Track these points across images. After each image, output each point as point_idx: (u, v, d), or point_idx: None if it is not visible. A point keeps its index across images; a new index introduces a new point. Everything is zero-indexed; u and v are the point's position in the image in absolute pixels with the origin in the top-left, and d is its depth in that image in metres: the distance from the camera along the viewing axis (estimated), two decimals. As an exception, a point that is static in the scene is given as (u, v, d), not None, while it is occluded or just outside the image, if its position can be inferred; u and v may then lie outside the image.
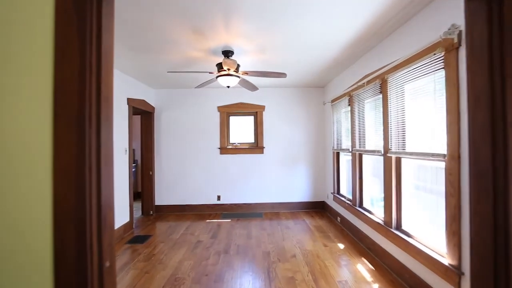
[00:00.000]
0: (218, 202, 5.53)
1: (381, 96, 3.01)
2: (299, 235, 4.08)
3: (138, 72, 4.23)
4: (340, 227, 4.36)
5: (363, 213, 3.49)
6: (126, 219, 4.35)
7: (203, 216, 5.25)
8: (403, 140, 2.62)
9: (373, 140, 3.34)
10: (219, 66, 3.23)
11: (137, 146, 6.85)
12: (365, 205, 3.66)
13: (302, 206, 5.53)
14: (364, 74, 3.45)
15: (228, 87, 3.34)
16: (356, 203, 3.76)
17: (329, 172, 5.22)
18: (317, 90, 5.57)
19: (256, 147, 5.52)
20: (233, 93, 5.53)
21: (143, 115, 5.46)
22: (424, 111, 2.38)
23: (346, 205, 4.09)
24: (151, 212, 5.44)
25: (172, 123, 5.57)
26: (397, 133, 2.69)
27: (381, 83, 2.98)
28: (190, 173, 5.54)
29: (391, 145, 2.79)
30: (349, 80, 4.02)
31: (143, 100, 4.98)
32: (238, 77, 3.29)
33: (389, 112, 2.82)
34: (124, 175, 4.28)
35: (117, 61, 3.67)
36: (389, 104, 2.81)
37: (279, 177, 5.53)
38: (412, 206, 2.67)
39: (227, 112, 5.58)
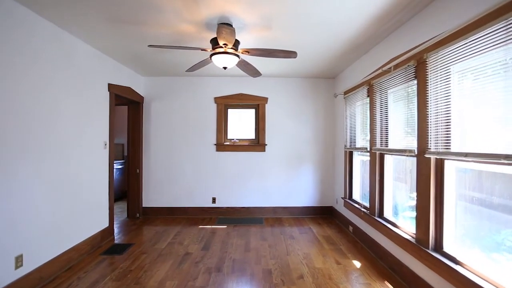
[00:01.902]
0: (213, 205, 4.93)
1: (415, 82, 2.40)
2: (306, 247, 3.48)
3: (122, 53, 3.62)
4: (353, 239, 3.76)
5: (384, 225, 2.89)
6: (105, 224, 3.75)
7: (196, 221, 4.65)
8: (447, 137, 2.02)
9: (401, 137, 2.73)
10: (214, 42, 2.62)
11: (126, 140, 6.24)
12: (386, 214, 3.06)
13: (307, 212, 4.93)
14: (390, 57, 2.84)
15: (225, 68, 2.73)
16: (375, 212, 3.16)
17: (339, 174, 4.62)
18: (326, 82, 4.95)
19: (257, 144, 4.92)
20: (233, 83, 4.92)
21: (130, 106, 4.85)
22: (486, 98, 1.77)
23: (361, 213, 3.49)
24: (138, 215, 4.85)
25: (162, 115, 4.96)
26: (440, 128, 2.09)
27: (415, 66, 2.37)
28: (182, 172, 4.93)
29: (429, 144, 2.18)
30: (368, 67, 3.41)
31: (129, 87, 4.36)
32: (237, 56, 2.68)
33: (428, 102, 2.21)
34: (101, 172, 3.68)
35: (93, 37, 3.05)
36: (428, 92, 2.20)
37: (282, 178, 4.93)
38: (461, 223, 2.06)
39: (225, 104, 4.97)
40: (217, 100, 4.91)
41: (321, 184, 4.95)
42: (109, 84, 3.79)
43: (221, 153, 4.93)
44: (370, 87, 3.27)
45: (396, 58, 2.66)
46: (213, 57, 2.64)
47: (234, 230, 4.18)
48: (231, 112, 5.05)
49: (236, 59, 2.69)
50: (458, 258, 1.94)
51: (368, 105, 3.36)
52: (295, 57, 2.62)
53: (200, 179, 4.93)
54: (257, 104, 4.96)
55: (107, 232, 3.78)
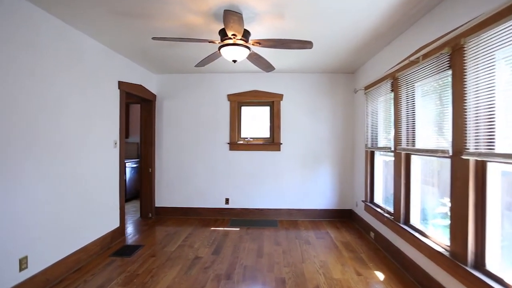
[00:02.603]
0: (226, 206, 4.78)
1: (449, 72, 2.10)
2: (323, 254, 3.23)
3: (130, 49, 3.52)
4: (375, 246, 3.46)
5: (411, 233, 2.59)
6: (115, 224, 3.68)
7: (208, 222, 4.51)
8: (490, 135, 1.72)
9: (430, 136, 2.43)
10: (223, 34, 2.43)
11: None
12: (413, 221, 2.76)
13: (324, 215, 4.66)
14: (418, 46, 2.53)
15: (235, 61, 2.54)
16: (400, 218, 2.86)
17: (359, 176, 4.32)
18: (345, 77, 4.65)
19: (272, 143, 4.70)
20: (246, 79, 4.73)
21: (142, 104, 4.78)
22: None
23: (384, 219, 3.19)
24: (150, 215, 4.78)
25: (175, 113, 4.85)
26: (481, 125, 1.79)
27: (450, 54, 2.07)
28: (195, 171, 4.81)
29: (468, 143, 1.88)
30: (392, 58, 3.10)
31: (141, 85, 4.28)
32: (248, 48, 2.48)
33: (465, 95, 1.91)
34: (112, 172, 3.61)
35: (100, 32, 2.96)
36: (466, 83, 1.90)
37: (298, 179, 4.68)
38: (510, 237, 1.76)
39: (238, 101, 4.79)
40: (230, 97, 4.74)
41: (340, 186, 4.66)
42: (119, 82, 3.70)
43: (234, 152, 4.76)
44: (395, 80, 2.96)
45: (426, 46, 2.36)
46: (222, 50, 2.45)
47: (247, 233, 3.99)
48: (245, 110, 4.86)
49: (247, 51, 2.49)
50: (505, 280, 1.64)
51: (392, 101, 3.06)
52: (310, 48, 2.38)
53: (213, 179, 4.79)
54: (272, 101, 4.74)
55: (118, 232, 3.71)
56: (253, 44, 2.47)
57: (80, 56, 2.96)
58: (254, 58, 2.81)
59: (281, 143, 4.68)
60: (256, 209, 4.73)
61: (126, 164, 5.96)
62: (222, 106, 4.77)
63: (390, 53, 3.18)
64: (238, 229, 4.17)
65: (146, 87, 4.49)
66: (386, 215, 3.17)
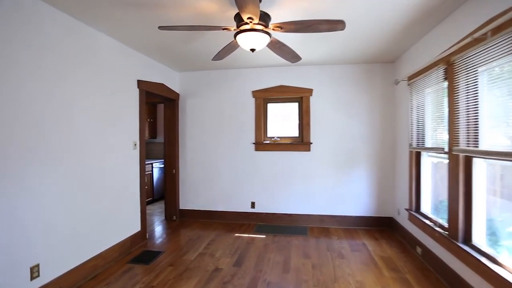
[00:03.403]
0: (252, 210, 4.48)
1: (534, 48, 1.57)
2: (359, 272, 2.79)
3: (148, 46, 3.34)
4: (423, 265, 2.93)
5: (474, 257, 2.07)
6: (136, 228, 3.56)
7: (233, 227, 4.25)
8: None
9: (503, 134, 1.90)
10: (238, 19, 2.11)
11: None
12: (476, 241, 2.22)
13: (360, 222, 4.16)
14: (484, 20, 1.99)
15: (253, 51, 2.20)
16: (458, 236, 2.33)
17: (401, 179, 3.76)
18: (384, 67, 4.09)
19: (301, 142, 4.30)
20: (272, 74, 4.37)
21: (166, 103, 4.64)
22: None
23: (436, 234, 2.66)
24: (174, 218, 4.64)
25: (198, 112, 4.65)
26: None
27: (535, 24, 1.54)
28: (219, 173, 4.57)
29: None
30: (445, 40, 2.55)
31: (162, 84, 4.12)
32: (268, 34, 2.13)
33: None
34: (131, 174, 3.48)
35: (112, 26, 2.80)
36: None
37: (330, 182, 4.24)
38: None
39: (264, 98, 4.45)
40: (255, 94, 4.43)
41: (378, 191, 4.12)
42: (138, 81, 3.56)
43: (260, 152, 4.44)
44: (449, 66, 2.43)
45: (497, 17, 1.83)
46: (238, 37, 2.14)
47: (273, 241, 3.66)
48: (271, 107, 4.52)
49: (266, 38, 2.15)
50: None
51: (446, 91, 2.52)
52: (342, 29, 1.97)
53: (238, 181, 4.51)
54: (300, 97, 4.33)
55: (139, 236, 3.59)
56: (273, 29, 2.12)
57: (94, 53, 2.83)
58: (277, 46, 2.45)
59: (311, 143, 4.26)
60: (284, 214, 4.37)
61: (154, 164, 5.93)
62: (247, 103, 4.47)
63: (443, 33, 2.62)
64: (263, 236, 3.85)
65: (168, 86, 4.33)
66: (438, 229, 2.63)
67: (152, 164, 5.87)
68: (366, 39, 3.13)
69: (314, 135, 4.27)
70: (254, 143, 4.43)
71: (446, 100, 2.52)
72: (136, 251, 3.38)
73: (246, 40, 2.11)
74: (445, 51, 2.43)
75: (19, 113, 2.10)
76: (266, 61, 4.04)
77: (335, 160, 4.21)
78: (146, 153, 6.70)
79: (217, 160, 4.57)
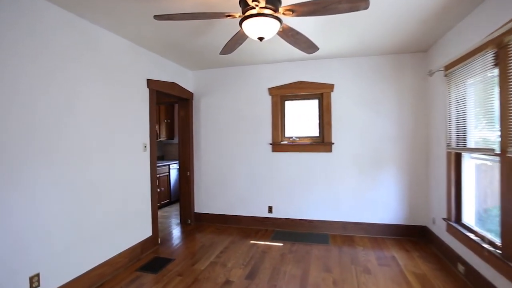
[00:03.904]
0: (270, 215, 4.21)
1: None
2: (388, 291, 2.43)
3: (156, 42, 3.18)
4: (465, 285, 2.50)
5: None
6: (147, 233, 3.42)
7: (249, 233, 4.00)
8: None
9: None
10: (244, 3, 1.85)
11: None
12: (537, 263, 1.80)
13: (389, 231, 3.74)
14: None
15: (261, 39, 1.94)
16: (513, 255, 1.91)
17: (436, 184, 3.32)
18: (414, 57, 3.65)
19: (322, 142, 3.96)
20: (289, 69, 4.07)
21: (179, 103, 4.50)
22: None
23: (485, 252, 2.23)
24: (189, 221, 4.48)
25: (212, 112, 4.46)
26: None
27: None
28: (234, 175, 4.35)
29: None
30: (494, 19, 2.13)
31: (174, 83, 3.97)
32: (278, 19, 1.86)
33: None
34: (142, 177, 3.34)
35: (115, 23, 2.65)
36: None
37: (354, 186, 3.86)
38: None
39: (281, 95, 4.16)
40: (271, 91, 4.15)
41: (409, 196, 3.69)
42: (148, 80, 3.42)
43: (277, 154, 4.16)
44: (502, 49, 2.01)
45: None
46: (244, 24, 1.88)
47: (291, 250, 3.36)
48: (289, 105, 4.21)
49: (276, 24, 1.87)
50: None
51: (497, 80, 2.10)
52: (365, 7, 1.65)
53: (254, 185, 4.26)
54: (321, 93, 3.99)
55: (150, 242, 3.44)
56: (284, 14, 1.84)
57: (98, 51, 2.70)
58: (290, 35, 2.16)
59: (333, 143, 3.91)
60: (303, 220, 4.05)
61: (171, 165, 5.84)
62: (263, 101, 4.21)
63: (491, 10, 2.20)
64: (281, 244, 3.57)
65: (181, 85, 4.17)
66: (487, 246, 2.21)
67: (169, 165, 5.78)
68: (393, 25, 2.75)
69: (336, 135, 3.91)
70: (271, 144, 4.16)
71: (496, 91, 2.10)
72: (147, 257, 3.23)
73: (252, 27, 1.85)
74: (496, 30, 2.01)
75: (18, 112, 1.99)
76: (283, 55, 3.75)
77: (360, 162, 3.82)
78: (164, 154, 6.65)
79: (232, 162, 4.35)
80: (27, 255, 2.07)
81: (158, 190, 5.41)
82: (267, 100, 4.19)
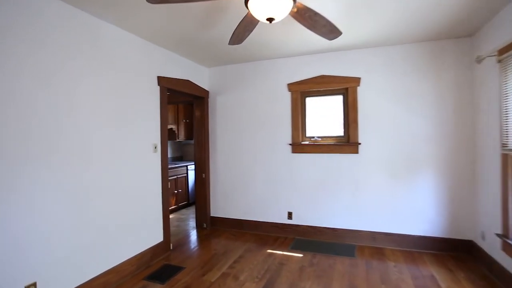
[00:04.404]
0: (289, 222, 3.88)
1: None
2: (428, 322, 2.01)
3: (167, 37, 2.99)
4: (529, 318, 2.02)
5: None
6: (158, 239, 3.24)
7: (266, 241, 3.71)
8: None
9: None
10: (249, -21, 1.57)
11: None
12: None
13: (426, 244, 3.26)
14: None
15: (271, 21, 1.64)
16: None
17: (486, 192, 2.80)
18: (457, 43, 3.14)
19: (347, 143, 3.57)
20: (310, 63, 3.72)
21: (195, 102, 4.31)
22: None
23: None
24: (205, 225, 4.28)
25: (228, 110, 4.22)
26: None
27: None
28: (252, 178, 4.08)
29: None
30: None
31: (188, 81, 3.78)
32: (289, -5, 1.55)
33: None
34: (152, 179, 3.17)
35: (118, 16, 2.48)
36: None
37: (384, 191, 3.42)
38: None
39: (301, 91, 3.82)
40: (291, 87, 3.82)
41: (450, 205, 3.18)
42: (158, 77, 3.25)
43: (298, 155, 3.82)
44: None
45: None
46: (250, 3, 1.59)
47: (312, 263, 3.02)
48: (310, 102, 3.86)
49: (288, 2, 1.56)
50: None
51: None
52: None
53: (273, 188, 3.96)
54: (345, 88, 3.60)
55: (161, 248, 3.27)
56: (297, -12, 1.52)
57: (101, 46, 2.55)
58: (307, 17, 1.84)
59: (359, 143, 3.50)
60: (326, 228, 3.68)
61: (189, 166, 5.70)
62: (281, 98, 3.89)
63: None
64: (301, 255, 3.23)
65: (195, 83, 3.98)
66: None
67: (187, 166, 5.64)
68: (432, 6, 2.32)
69: (363, 134, 3.50)
70: (290, 144, 3.83)
71: None
72: (157, 264, 3.05)
73: (259, 6, 1.56)
74: None
75: (16, 110, 1.86)
76: (303, 47, 3.42)
77: (391, 165, 3.38)
78: (182, 155, 6.55)
79: (249, 163, 4.08)
80: (23, 262, 1.94)
81: (176, 191, 5.28)
82: (287, 96, 3.86)
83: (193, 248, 3.53)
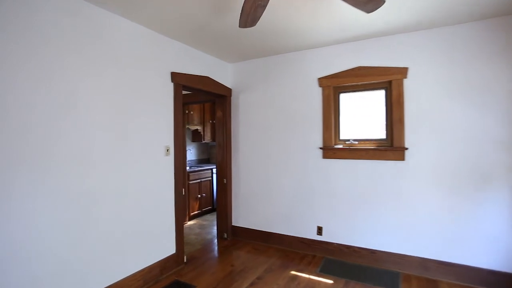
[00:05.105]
0: (319, 238, 3.35)
1: None
2: None
3: (182, 28, 2.68)
4: None
5: None
6: (169, 250, 2.95)
7: (292, 258, 3.23)
8: None
9: None
10: None
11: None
12: None
13: (498, 282, 2.51)
14: None
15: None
16: None
17: None
18: (549, 18, 2.37)
19: (390, 147, 2.95)
20: (345, 53, 3.17)
21: (216, 101, 3.98)
22: None
23: None
24: (225, 236, 3.92)
25: (252, 110, 3.82)
26: None
27: None
28: (277, 185, 3.62)
29: None
30: None
31: (207, 77, 3.46)
32: None
33: None
34: (163, 186, 2.88)
35: (130, 4, 2.22)
36: None
37: (440, 209, 2.74)
38: None
39: (334, 86, 3.28)
40: (322, 81, 3.30)
41: (537, 230, 2.41)
42: (172, 73, 2.96)
43: (330, 160, 3.28)
44: None
45: None
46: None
47: (344, 293, 2.48)
48: (345, 98, 3.30)
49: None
50: None
51: None
52: None
53: (301, 198, 3.46)
54: (388, 81, 2.98)
55: (173, 261, 2.97)
56: None
57: (106, 40, 2.31)
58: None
59: (406, 148, 2.86)
60: (363, 249, 3.08)
61: (214, 170, 5.41)
62: (311, 95, 3.39)
63: None
64: (331, 281, 2.70)
65: (217, 80, 3.65)
66: None
67: (212, 169, 5.36)
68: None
69: (411, 137, 2.85)
70: (321, 148, 3.31)
71: None
72: (167, 280, 2.76)
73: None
74: None
75: (9, 110, 1.66)
76: (335, 34, 2.89)
77: (450, 176, 2.69)
78: (209, 157, 6.30)
79: (274, 169, 3.64)
80: (6, 278, 1.73)
81: (199, 196, 5.03)
82: (317, 93, 3.35)
83: (209, 262, 3.18)
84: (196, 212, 4.95)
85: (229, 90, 3.89)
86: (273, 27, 2.67)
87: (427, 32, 2.77)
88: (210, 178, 5.34)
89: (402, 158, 2.88)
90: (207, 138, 5.61)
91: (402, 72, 2.86)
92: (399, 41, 2.89)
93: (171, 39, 2.97)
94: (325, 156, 3.30)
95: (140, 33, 2.63)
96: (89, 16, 2.19)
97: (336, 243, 3.23)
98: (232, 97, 3.96)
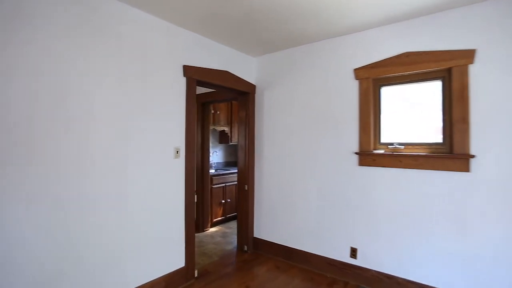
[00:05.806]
0: (352, 262, 2.78)
1: None
2: None
3: (195, 14, 2.38)
4: None
5: None
6: (178, 264, 2.64)
7: (318, 282, 2.72)
8: None
9: None
10: None
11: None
12: None
13: None
14: None
15: None
16: None
17: None
18: None
19: (449, 154, 2.29)
20: (387, 37, 2.58)
21: (239, 98, 3.62)
22: None
23: None
24: (246, 248, 3.52)
25: (277, 108, 3.39)
26: None
27: None
28: (303, 195, 3.13)
29: None
30: None
31: (225, 71, 3.11)
32: None
33: None
34: (171, 191, 2.58)
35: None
36: None
37: (521, 240, 2.02)
38: None
39: (374, 78, 2.70)
40: (358, 73, 2.75)
41: None
42: (184, 67, 2.67)
43: (368, 168, 2.71)
44: None
45: None
46: None
47: None
48: (388, 93, 2.70)
49: None
50: None
51: None
52: None
53: (331, 212, 2.93)
54: (447, 69, 2.33)
55: (181, 275, 2.65)
56: None
57: (107, 29, 2.08)
58: None
59: (473, 156, 2.18)
60: (411, 282, 2.44)
61: (240, 174, 5.05)
62: (345, 89, 2.85)
63: None
64: (364, 321, 2.14)
65: (237, 75, 3.29)
66: None
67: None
68: None
69: (480, 142, 2.17)
70: (357, 153, 2.74)
71: None
72: (171, 298, 2.45)
73: None
74: None
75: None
76: (375, 13, 2.34)
77: (537, 195, 1.96)
78: (236, 160, 5.96)
79: (301, 176, 3.15)
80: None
81: (223, 201, 4.71)
82: (353, 87, 2.80)
83: (223, 279, 2.81)
84: (219, 218, 4.64)
85: (252, 87, 3.50)
86: (298, 8, 2.22)
87: (500, 2, 2.08)
88: (236, 183, 4.99)
89: (466, 168, 2.20)
90: (234, 140, 5.29)
91: (467, 55, 2.19)
92: (461, 17, 2.23)
93: (184, 29, 2.68)
94: (362, 163, 2.73)
95: (147, 21, 2.37)
96: (91, 4, 1.97)
97: (375, 271, 2.63)
98: (256, 95, 3.57)
